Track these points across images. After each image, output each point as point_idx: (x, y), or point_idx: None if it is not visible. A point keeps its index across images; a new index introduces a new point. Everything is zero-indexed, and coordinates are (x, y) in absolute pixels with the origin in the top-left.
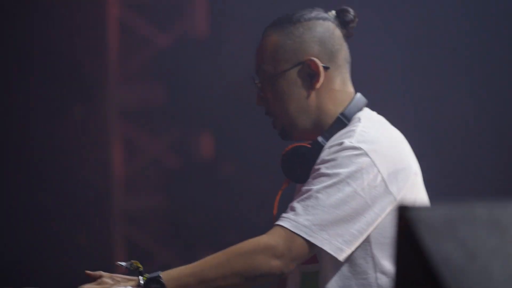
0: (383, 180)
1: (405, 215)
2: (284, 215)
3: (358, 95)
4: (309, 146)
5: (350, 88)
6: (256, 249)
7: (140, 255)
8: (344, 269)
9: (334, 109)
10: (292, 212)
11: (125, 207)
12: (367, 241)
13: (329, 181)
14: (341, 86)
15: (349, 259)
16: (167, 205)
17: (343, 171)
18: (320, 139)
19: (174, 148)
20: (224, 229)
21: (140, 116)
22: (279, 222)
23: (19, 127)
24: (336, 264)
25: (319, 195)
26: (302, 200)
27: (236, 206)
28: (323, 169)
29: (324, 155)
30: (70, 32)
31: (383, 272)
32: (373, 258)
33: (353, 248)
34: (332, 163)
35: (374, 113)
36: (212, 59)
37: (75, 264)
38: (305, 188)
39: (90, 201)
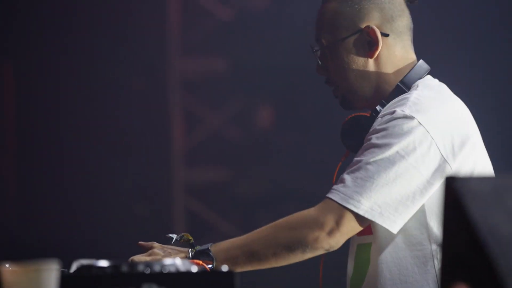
0: (438, 149)
1: (452, 186)
2: (334, 187)
3: (420, 62)
4: (368, 115)
5: (412, 55)
6: (304, 223)
7: (200, 227)
8: (399, 240)
9: (394, 77)
10: (342, 184)
11: (185, 179)
12: (421, 211)
13: (380, 152)
14: (402, 53)
15: (404, 229)
16: (227, 177)
17: (394, 141)
18: (378, 108)
19: (234, 120)
20: (284, 200)
21: (201, 88)
22: (329, 195)
23: (80, 98)
24: (390, 236)
25: (369, 166)
26: (352, 171)
27: (296, 178)
28: (374, 139)
29: (376, 124)
30: (133, 4)
31: (439, 243)
32: (427, 228)
33: (406, 219)
34: (383, 133)
35: (436, 81)
36: (272, 31)
37: (134, 235)
38: (356, 159)
39: (151, 173)
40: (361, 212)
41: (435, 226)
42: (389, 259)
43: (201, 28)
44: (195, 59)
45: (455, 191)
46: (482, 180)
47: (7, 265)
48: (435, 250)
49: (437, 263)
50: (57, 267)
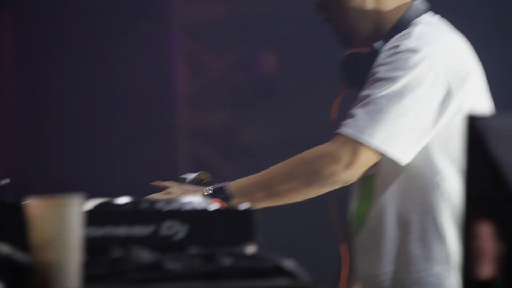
0: (442, 82)
1: (474, 125)
2: (344, 122)
3: (419, 0)
4: (366, 51)
5: None
6: (320, 158)
7: (206, 171)
8: (403, 171)
9: (393, 15)
10: (353, 119)
11: (189, 123)
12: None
13: (388, 85)
14: None
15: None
16: (231, 121)
17: (401, 74)
18: (377, 44)
19: (238, 64)
20: (289, 145)
21: (205, 32)
22: (341, 130)
23: (83, 44)
24: (395, 167)
25: (378, 100)
26: (362, 106)
27: (301, 122)
28: (381, 73)
29: (381, 58)
30: None
31: (442, 174)
32: (431, 160)
33: (416, 151)
34: (389, 66)
35: (436, 17)
36: None
37: (141, 178)
38: (363, 93)
39: (155, 117)
40: (375, 145)
41: (438, 158)
42: (393, 190)
43: None
44: (198, 3)
45: (477, 130)
46: (503, 118)
47: (31, 200)
48: (437, 182)
49: (439, 195)
50: (83, 201)
